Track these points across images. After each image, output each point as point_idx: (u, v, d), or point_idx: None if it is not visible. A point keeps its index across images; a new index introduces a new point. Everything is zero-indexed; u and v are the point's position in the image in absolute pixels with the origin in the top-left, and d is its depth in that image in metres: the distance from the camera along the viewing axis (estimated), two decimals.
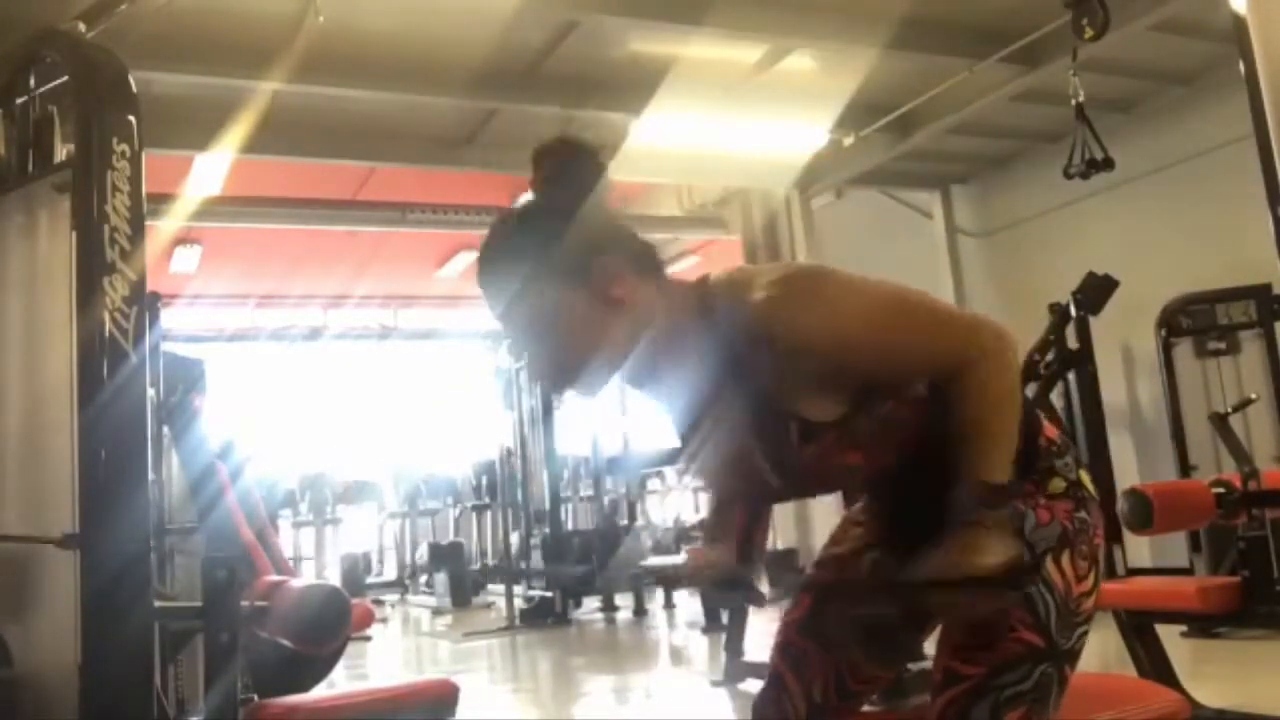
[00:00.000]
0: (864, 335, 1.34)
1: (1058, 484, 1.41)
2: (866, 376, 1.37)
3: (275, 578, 2.61)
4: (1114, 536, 6.01)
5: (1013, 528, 1.32)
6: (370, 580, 11.73)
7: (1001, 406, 1.33)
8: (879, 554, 1.56)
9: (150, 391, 2.41)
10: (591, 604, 8.73)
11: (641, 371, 1.42)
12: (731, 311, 1.35)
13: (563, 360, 1.38)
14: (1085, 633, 1.39)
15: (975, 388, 1.32)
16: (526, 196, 1.42)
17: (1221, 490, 3.39)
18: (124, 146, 2.14)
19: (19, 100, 2.45)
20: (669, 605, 8.72)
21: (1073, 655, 1.38)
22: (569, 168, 1.39)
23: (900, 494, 1.50)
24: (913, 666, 1.69)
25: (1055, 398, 6.68)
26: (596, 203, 1.37)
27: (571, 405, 8.81)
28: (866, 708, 1.64)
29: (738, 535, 1.65)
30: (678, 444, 1.53)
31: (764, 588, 1.64)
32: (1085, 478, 1.44)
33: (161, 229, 8.03)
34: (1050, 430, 1.47)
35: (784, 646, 1.61)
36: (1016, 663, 1.34)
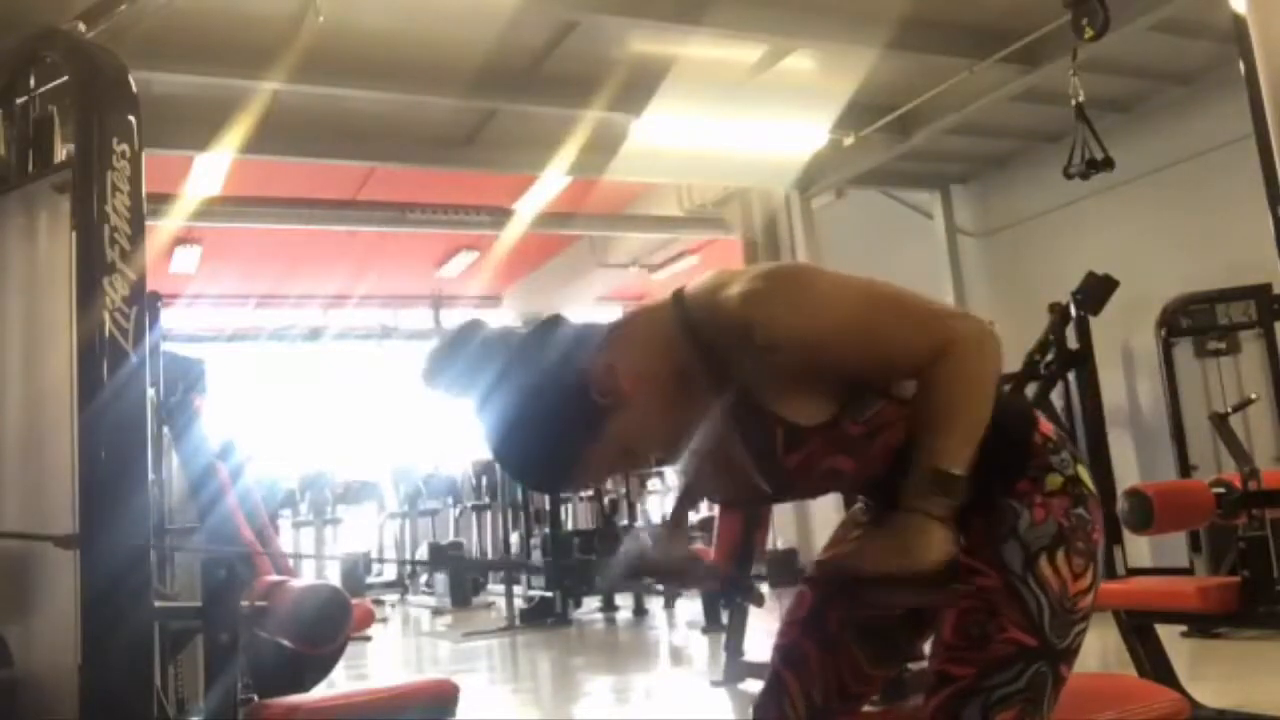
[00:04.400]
0: (841, 330, 1.33)
1: (1054, 480, 1.40)
2: (848, 374, 1.37)
3: (275, 578, 2.61)
4: (1114, 536, 6.01)
5: (952, 520, 1.29)
6: (370, 580, 11.72)
7: (971, 396, 1.31)
8: None
9: (150, 391, 2.41)
10: (591, 604, 8.73)
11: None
12: (710, 315, 1.35)
13: (610, 470, 1.45)
14: (1083, 630, 1.39)
15: (945, 375, 1.31)
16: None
17: (1221, 490, 3.39)
18: (124, 146, 2.14)
19: (19, 100, 2.45)
20: (669, 605, 8.73)
21: (1069, 653, 1.37)
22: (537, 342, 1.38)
23: (896, 496, 1.50)
24: (913, 666, 1.69)
25: (1055, 398, 6.68)
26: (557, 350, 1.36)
27: None
28: (866, 707, 1.64)
29: (735, 537, 1.66)
30: (677, 461, 1.53)
31: (764, 588, 1.64)
32: (1083, 474, 1.43)
33: (161, 229, 8.04)
34: (1046, 427, 1.46)
35: (784, 648, 1.61)
36: (1008, 663, 1.33)
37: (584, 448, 1.35)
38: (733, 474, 1.45)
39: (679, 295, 1.41)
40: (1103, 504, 1.46)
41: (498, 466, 1.41)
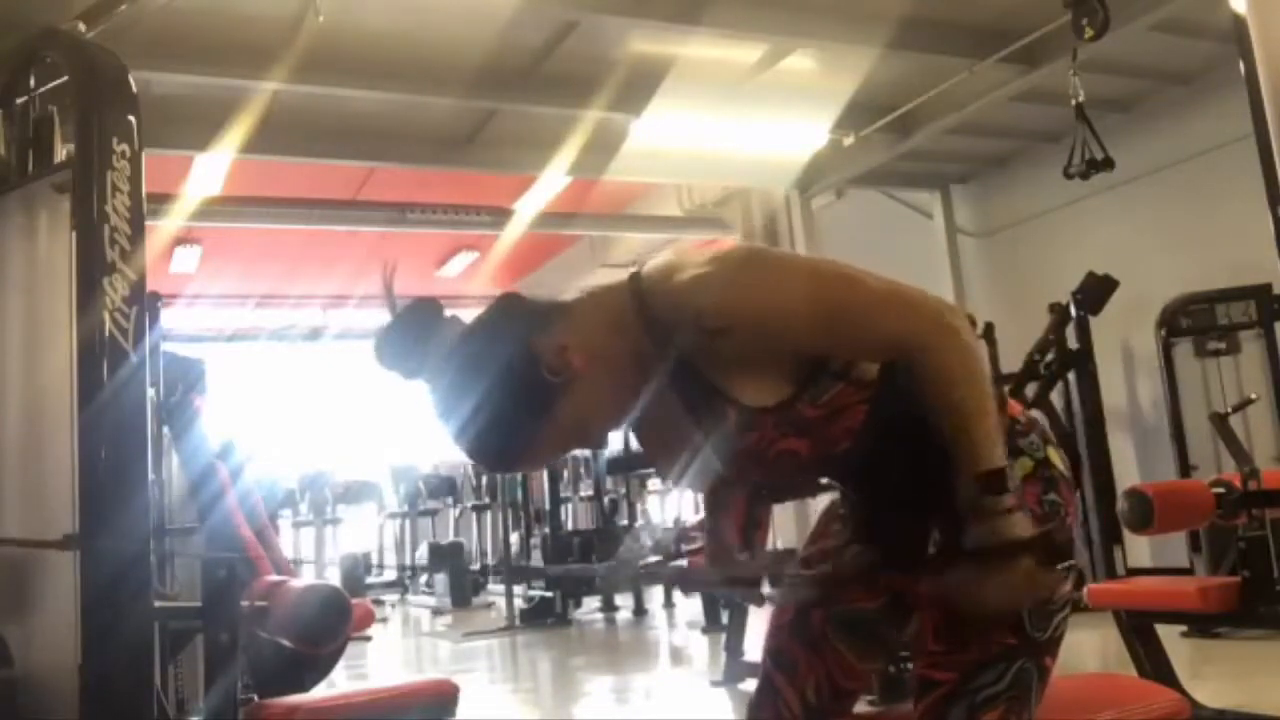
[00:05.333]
0: (794, 311, 1.31)
1: (1025, 464, 1.39)
2: (805, 355, 1.35)
3: (275, 578, 2.61)
4: (1114, 536, 6.02)
5: (1023, 512, 1.27)
6: (370, 580, 11.72)
7: (974, 383, 1.29)
8: (859, 548, 1.56)
9: (150, 391, 2.41)
10: (591, 604, 8.73)
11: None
12: (664, 297, 1.34)
13: (562, 448, 1.43)
14: (1065, 618, 1.38)
15: (942, 369, 1.29)
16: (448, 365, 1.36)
17: (1221, 490, 3.39)
18: (124, 146, 2.14)
19: (19, 100, 2.45)
20: (669, 605, 8.72)
21: (1052, 644, 1.36)
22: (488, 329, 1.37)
23: (867, 484, 1.49)
24: (913, 666, 1.69)
25: (1055, 398, 6.68)
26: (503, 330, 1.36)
27: None
28: (866, 708, 1.64)
29: (736, 537, 1.65)
30: (632, 435, 1.52)
31: (765, 588, 1.64)
32: (1054, 455, 1.42)
33: (161, 229, 8.03)
34: (1015, 408, 1.45)
35: (773, 651, 1.60)
36: (990, 664, 1.33)
37: (536, 426, 1.34)
38: (687, 454, 1.43)
39: (635, 276, 1.39)
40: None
41: (449, 441, 1.40)
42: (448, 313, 1.38)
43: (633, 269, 1.40)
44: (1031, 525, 1.27)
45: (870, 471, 1.43)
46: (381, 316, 1.43)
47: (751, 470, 1.45)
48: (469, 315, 1.40)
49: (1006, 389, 1.47)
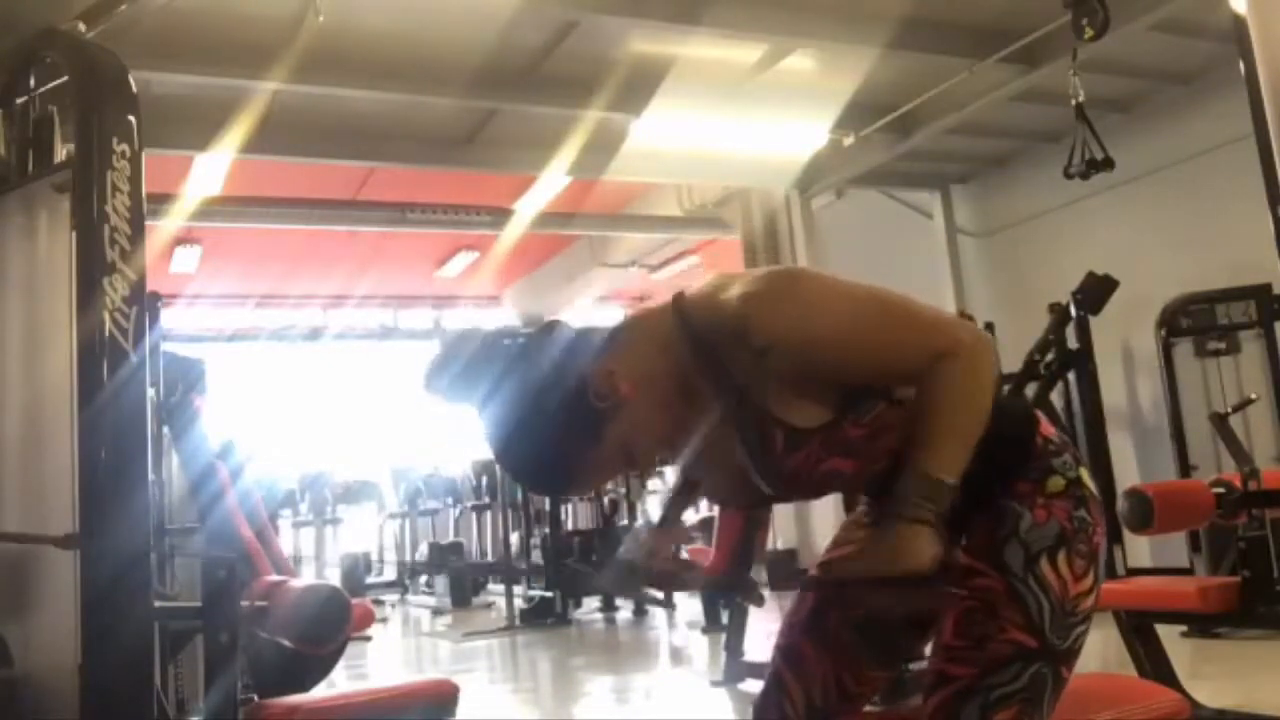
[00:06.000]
0: (837, 331, 1.34)
1: (1056, 483, 1.40)
2: (846, 377, 1.37)
3: (275, 578, 2.61)
4: (1114, 536, 6.00)
5: (940, 525, 1.30)
6: (370, 580, 11.73)
7: (968, 404, 1.32)
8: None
9: (150, 391, 2.41)
10: (591, 604, 8.73)
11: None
12: (709, 317, 1.36)
13: (611, 474, 1.46)
14: (1084, 632, 1.39)
15: (942, 381, 1.31)
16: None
17: (1221, 490, 3.39)
18: (124, 146, 2.14)
19: (19, 100, 2.45)
20: (669, 605, 8.72)
21: (1070, 654, 1.37)
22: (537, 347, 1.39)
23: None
24: (913, 667, 1.69)
25: (1055, 398, 6.68)
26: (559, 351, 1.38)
27: None
28: (867, 707, 1.64)
29: (735, 537, 1.65)
30: (678, 464, 1.53)
31: (764, 588, 1.64)
32: (1085, 476, 1.43)
33: (161, 229, 8.04)
34: (1047, 429, 1.46)
35: (785, 648, 1.61)
36: (1007, 663, 1.33)
37: (584, 451, 1.36)
38: (732, 475, 1.45)
39: (679, 299, 1.42)
40: (1103, 504, 1.46)
41: (500, 469, 1.41)
42: (497, 331, 1.40)
43: (677, 291, 1.43)
44: (936, 546, 1.29)
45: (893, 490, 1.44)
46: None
47: (796, 488, 1.47)
48: (511, 329, 1.43)
49: (1040, 414, 1.48)
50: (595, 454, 1.36)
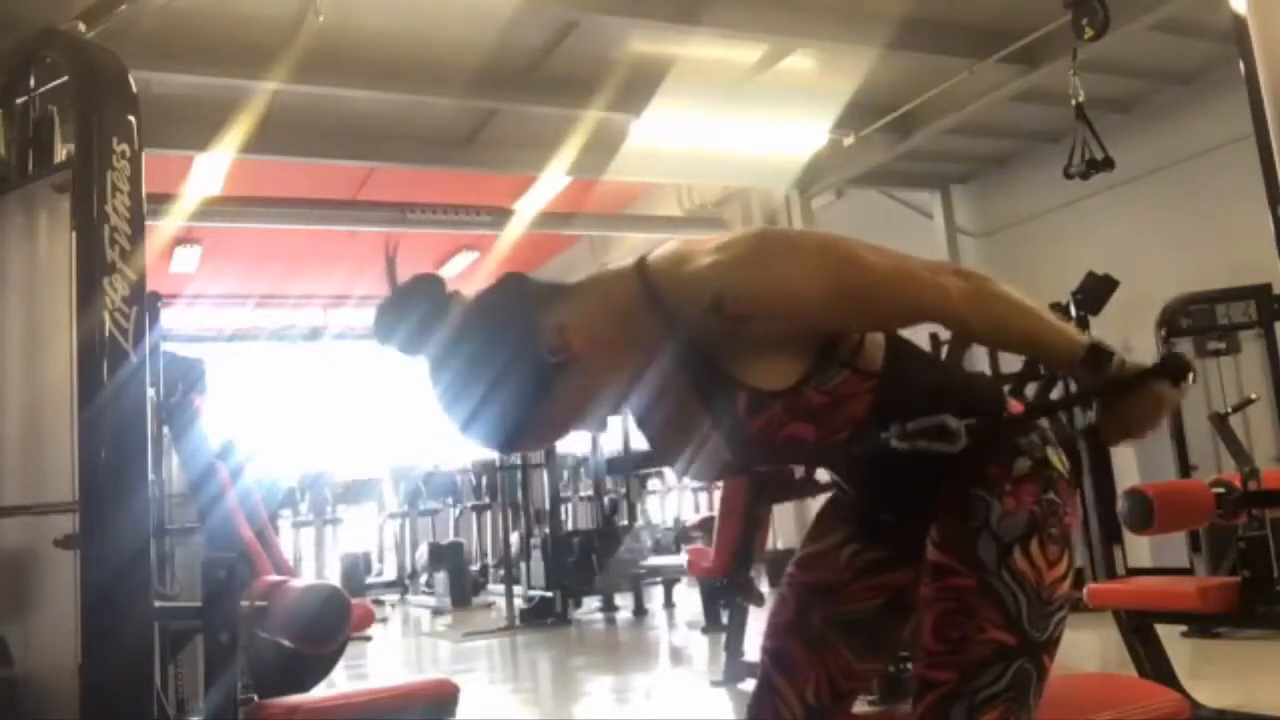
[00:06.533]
0: (815, 285, 1.33)
1: (1022, 464, 1.39)
2: (821, 331, 1.37)
3: (275, 578, 2.61)
4: (1114, 536, 6.01)
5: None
6: (370, 580, 11.72)
7: (1019, 312, 1.38)
8: (857, 546, 1.56)
9: (150, 391, 2.41)
10: (591, 604, 8.73)
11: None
12: (676, 284, 1.35)
13: (560, 429, 1.43)
14: (1062, 619, 1.38)
15: (986, 324, 1.38)
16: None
17: (1221, 490, 3.38)
18: (124, 146, 2.14)
19: (19, 100, 2.45)
20: (669, 605, 8.73)
21: (1050, 644, 1.37)
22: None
23: (868, 479, 1.50)
24: (912, 666, 1.69)
25: (1055, 398, 6.66)
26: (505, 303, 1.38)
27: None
28: (866, 708, 1.64)
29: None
30: (639, 427, 1.53)
31: (763, 587, 1.64)
32: (1052, 455, 1.42)
33: (161, 229, 8.03)
34: (1015, 406, 1.47)
35: (772, 651, 1.60)
36: (989, 664, 1.33)
37: (533, 405, 1.34)
38: (694, 440, 1.45)
39: (642, 263, 1.40)
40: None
41: (450, 423, 1.39)
42: (450, 289, 1.39)
43: (639, 256, 1.41)
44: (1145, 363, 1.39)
45: (871, 466, 1.44)
46: (382, 293, 1.43)
47: (759, 455, 1.46)
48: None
49: (1006, 389, 1.49)
50: (545, 408, 1.35)
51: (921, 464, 1.36)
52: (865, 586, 1.55)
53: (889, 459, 1.37)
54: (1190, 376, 1.42)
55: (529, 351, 1.32)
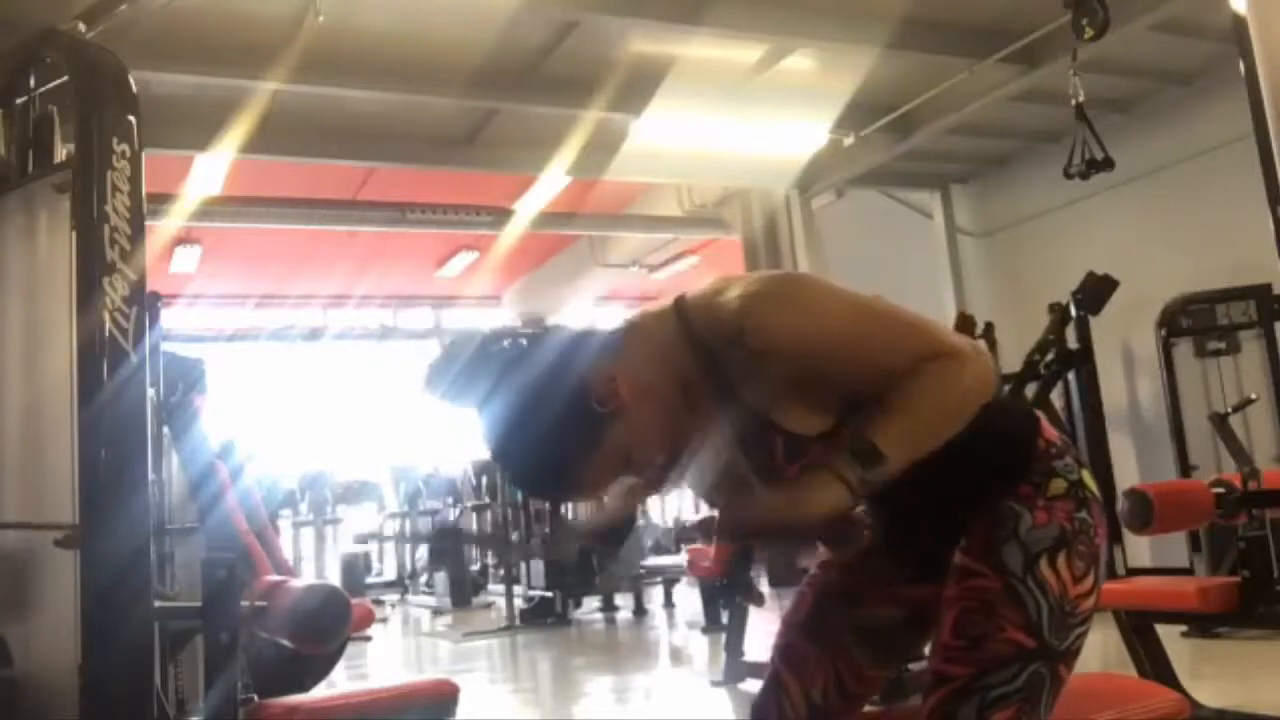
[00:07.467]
0: (832, 334, 1.34)
1: (1059, 485, 1.40)
2: (842, 383, 1.37)
3: (275, 578, 2.61)
4: (1114, 536, 6.01)
5: (860, 491, 1.29)
6: (370, 580, 11.73)
7: (944, 399, 1.31)
8: (881, 557, 1.55)
9: (150, 391, 2.41)
10: (591, 604, 8.73)
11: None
12: (709, 320, 1.37)
13: (610, 478, 1.42)
14: (1083, 633, 1.39)
15: (927, 373, 1.30)
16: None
17: (1221, 490, 3.39)
18: (124, 146, 2.14)
19: (19, 100, 2.45)
20: (669, 605, 8.73)
21: (1068, 655, 1.37)
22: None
23: (896, 504, 1.50)
24: (913, 666, 1.69)
25: (1055, 398, 6.68)
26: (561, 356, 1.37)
27: None
28: (866, 707, 1.64)
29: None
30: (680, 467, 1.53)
31: (763, 588, 1.64)
32: (1087, 478, 1.44)
33: (161, 229, 8.04)
34: (1050, 432, 1.46)
35: (783, 648, 1.60)
36: (1005, 663, 1.33)
37: (583, 456, 1.36)
38: (730, 480, 1.45)
39: (680, 302, 1.42)
40: (1104, 506, 1.46)
41: (499, 472, 1.41)
42: (498, 332, 1.41)
43: (678, 295, 1.43)
44: (841, 501, 1.29)
45: (907, 499, 1.42)
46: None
47: None
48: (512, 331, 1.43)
49: (1041, 417, 1.49)
50: (594, 458, 1.36)
51: (955, 494, 1.38)
52: (886, 596, 1.55)
53: (918, 491, 1.36)
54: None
55: (578, 404, 1.33)
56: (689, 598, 8.34)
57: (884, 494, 1.48)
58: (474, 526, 10.99)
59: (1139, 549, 6.32)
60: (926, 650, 1.48)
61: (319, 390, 13.12)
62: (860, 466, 1.28)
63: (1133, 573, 5.91)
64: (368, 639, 7.35)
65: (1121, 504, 3.37)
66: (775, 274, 1.42)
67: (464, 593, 10.01)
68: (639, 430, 1.36)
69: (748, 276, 1.39)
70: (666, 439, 1.41)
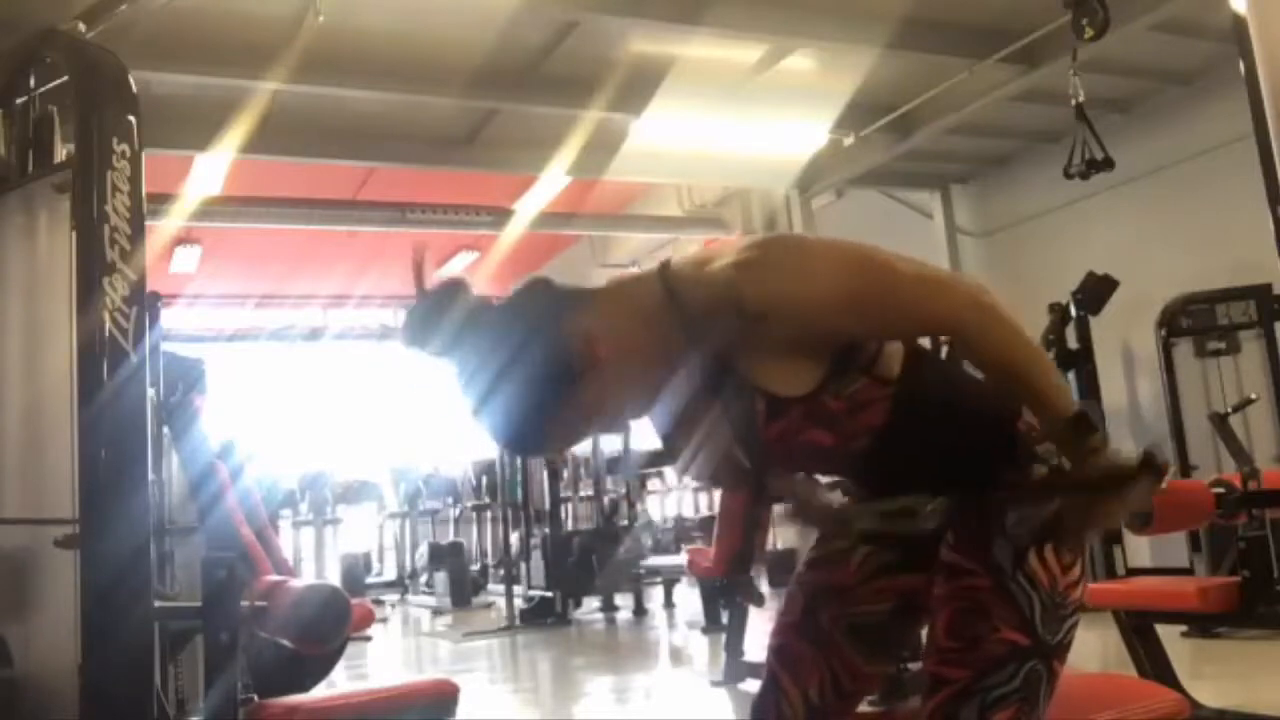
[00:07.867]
0: (835, 292, 1.33)
1: (1040, 472, 1.40)
2: (839, 339, 1.37)
3: (275, 578, 2.61)
4: (1114, 536, 6.01)
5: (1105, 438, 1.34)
6: (370, 580, 11.72)
7: (1027, 347, 1.34)
8: (868, 549, 1.56)
9: (150, 391, 2.41)
10: (591, 604, 8.73)
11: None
12: (697, 287, 1.36)
13: (582, 432, 1.44)
14: (1074, 625, 1.39)
15: (994, 343, 1.32)
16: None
17: (1221, 490, 3.39)
18: (124, 146, 2.14)
19: (19, 100, 2.45)
20: (669, 605, 8.73)
21: (1062, 649, 1.37)
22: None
23: (883, 485, 1.49)
24: (913, 666, 1.69)
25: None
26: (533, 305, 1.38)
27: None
28: (866, 708, 1.64)
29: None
30: (658, 437, 1.53)
31: (763, 587, 1.64)
32: (1066, 464, 1.42)
33: (161, 229, 8.03)
34: (1030, 415, 1.46)
35: (779, 649, 1.61)
36: (1002, 663, 1.34)
37: (557, 409, 1.36)
38: (712, 447, 1.45)
39: (664, 267, 1.41)
40: None
41: (474, 421, 1.40)
42: (476, 293, 1.40)
43: (662, 261, 1.43)
44: (1129, 460, 1.35)
45: (888, 472, 1.44)
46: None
47: (775, 460, 1.46)
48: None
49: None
50: (568, 412, 1.37)
51: (937, 469, 1.38)
52: (876, 589, 1.55)
53: (905, 466, 1.38)
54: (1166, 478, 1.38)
55: (554, 356, 1.33)
56: (689, 598, 8.34)
57: (872, 477, 1.48)
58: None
59: (1139, 549, 6.32)
60: (922, 640, 1.48)
61: (319, 390, 13.11)
62: (1085, 435, 1.33)
63: (1133, 573, 5.91)
64: (368, 639, 7.34)
65: None
66: (766, 238, 1.42)
67: (464, 593, 10.01)
68: (615, 388, 1.37)
69: (737, 243, 1.38)
70: (640, 396, 1.42)
